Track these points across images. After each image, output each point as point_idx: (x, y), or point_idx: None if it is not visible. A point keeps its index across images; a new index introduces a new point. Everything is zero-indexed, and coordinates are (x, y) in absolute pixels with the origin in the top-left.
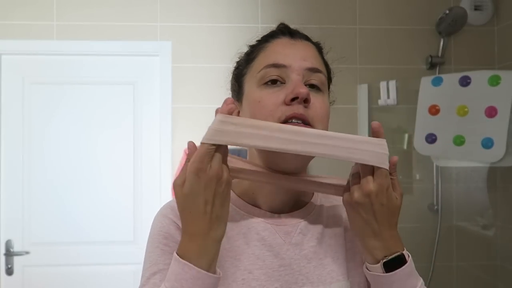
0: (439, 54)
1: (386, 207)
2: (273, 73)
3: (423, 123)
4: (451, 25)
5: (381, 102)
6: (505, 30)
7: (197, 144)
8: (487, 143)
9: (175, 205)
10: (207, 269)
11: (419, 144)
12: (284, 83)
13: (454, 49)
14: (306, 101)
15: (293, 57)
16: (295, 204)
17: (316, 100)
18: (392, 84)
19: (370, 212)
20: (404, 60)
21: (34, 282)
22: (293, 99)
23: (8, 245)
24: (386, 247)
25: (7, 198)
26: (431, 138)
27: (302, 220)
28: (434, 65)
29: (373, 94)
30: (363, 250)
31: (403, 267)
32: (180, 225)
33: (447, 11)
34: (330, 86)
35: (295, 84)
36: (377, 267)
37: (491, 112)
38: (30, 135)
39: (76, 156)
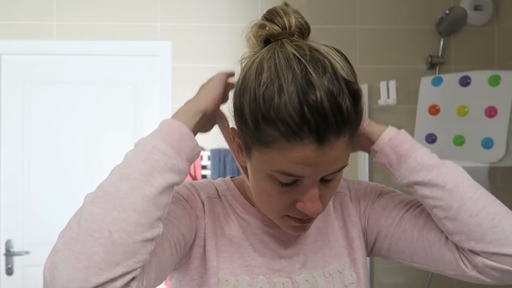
0: (439, 54)
1: None
2: (287, 180)
3: (423, 123)
4: (451, 25)
5: (381, 102)
6: (505, 30)
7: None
8: (487, 143)
9: (187, 184)
10: (184, 122)
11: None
12: (298, 181)
13: (454, 49)
14: None
15: (315, 170)
16: None
17: (328, 192)
18: (392, 84)
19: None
20: (404, 60)
21: (34, 282)
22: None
23: (8, 245)
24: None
25: (7, 198)
26: (431, 138)
27: None
28: (434, 65)
29: (373, 94)
30: (369, 135)
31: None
32: (194, 193)
33: (447, 11)
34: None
35: (309, 197)
36: (388, 129)
37: (491, 112)
38: (30, 135)
39: (76, 156)
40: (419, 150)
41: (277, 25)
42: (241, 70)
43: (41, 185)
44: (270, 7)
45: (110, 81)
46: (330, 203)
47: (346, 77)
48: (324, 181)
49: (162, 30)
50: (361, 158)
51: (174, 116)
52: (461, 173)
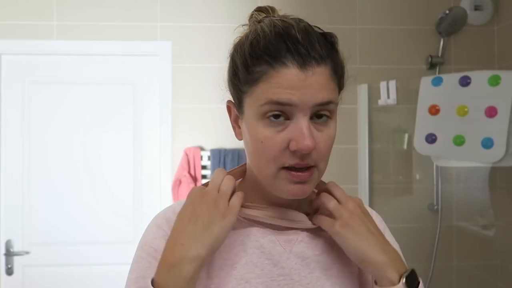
0: (439, 54)
1: (363, 215)
2: (276, 110)
3: (423, 123)
4: (451, 25)
5: (381, 102)
6: (505, 30)
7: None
8: (487, 143)
9: (171, 216)
10: None
11: (419, 144)
12: (289, 119)
13: (454, 49)
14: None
15: (301, 95)
16: (300, 209)
17: (322, 137)
18: (392, 84)
19: (364, 225)
20: (404, 60)
21: (34, 282)
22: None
23: (8, 245)
24: (395, 261)
25: (7, 198)
26: (431, 138)
27: (304, 228)
28: (434, 65)
29: (373, 94)
30: (375, 273)
31: (421, 285)
32: None
33: (447, 11)
34: (341, 93)
35: (301, 132)
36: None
37: (491, 112)
38: (30, 135)
39: (76, 156)
40: None
41: (263, 12)
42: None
43: (41, 185)
44: None
45: (110, 81)
46: None
47: (320, 31)
48: (318, 123)
49: (162, 30)
50: (361, 158)
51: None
52: None
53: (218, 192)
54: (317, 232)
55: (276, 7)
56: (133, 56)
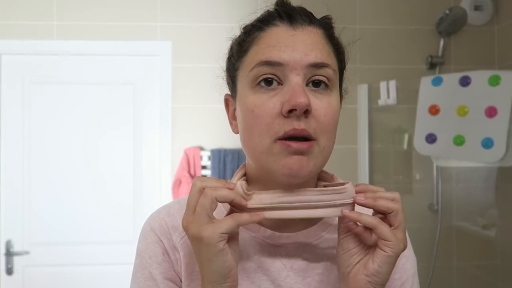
0: (439, 54)
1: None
2: (267, 72)
3: (423, 123)
4: (451, 25)
5: (381, 102)
6: (505, 30)
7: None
8: (487, 143)
9: (165, 217)
10: None
11: (419, 144)
12: (282, 84)
13: (454, 49)
14: (306, 111)
15: (292, 52)
16: (303, 221)
17: (321, 104)
18: (392, 84)
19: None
20: (404, 60)
21: (34, 282)
22: (291, 111)
23: (8, 245)
24: None
25: (7, 198)
26: (431, 138)
27: (309, 241)
28: (434, 65)
29: (373, 94)
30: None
31: None
32: (165, 246)
33: (447, 11)
34: (344, 73)
35: (293, 90)
36: None
37: (491, 112)
38: (30, 135)
39: (76, 156)
40: None
41: None
42: None
43: (41, 185)
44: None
45: (110, 81)
46: None
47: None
48: (314, 87)
49: (162, 30)
50: (361, 158)
51: None
52: None
53: (193, 217)
54: (323, 242)
55: None
56: (133, 56)
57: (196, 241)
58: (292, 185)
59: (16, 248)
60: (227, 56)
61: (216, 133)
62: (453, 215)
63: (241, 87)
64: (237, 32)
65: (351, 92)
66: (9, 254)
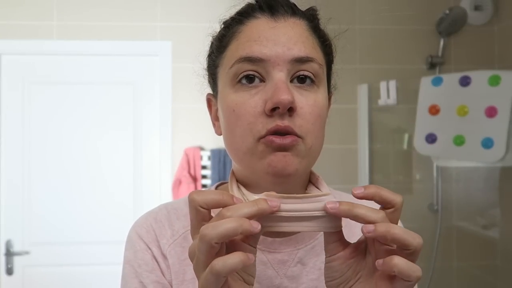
0: (439, 54)
1: None
2: (248, 69)
3: (423, 123)
4: (451, 25)
5: (381, 102)
6: (505, 30)
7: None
8: (487, 143)
9: (152, 224)
10: None
11: (419, 144)
12: (264, 81)
13: (454, 49)
14: (290, 109)
15: (274, 46)
16: None
17: (306, 101)
18: (392, 84)
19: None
20: (404, 60)
21: (34, 282)
22: (274, 109)
23: (8, 245)
24: None
25: (7, 198)
26: (431, 138)
27: (302, 246)
28: (434, 65)
29: (373, 94)
30: None
31: None
32: (154, 253)
33: (447, 11)
34: (332, 67)
35: (276, 87)
36: None
37: (491, 112)
38: (30, 135)
39: (76, 156)
40: None
41: None
42: None
43: (41, 185)
44: None
45: (110, 81)
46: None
47: None
48: (299, 84)
49: (162, 30)
50: (361, 158)
51: None
52: None
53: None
54: (315, 246)
55: None
56: (133, 56)
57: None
58: (278, 187)
59: (16, 248)
60: (207, 54)
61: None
62: (453, 215)
63: (222, 85)
64: (217, 28)
65: (351, 92)
66: (9, 254)
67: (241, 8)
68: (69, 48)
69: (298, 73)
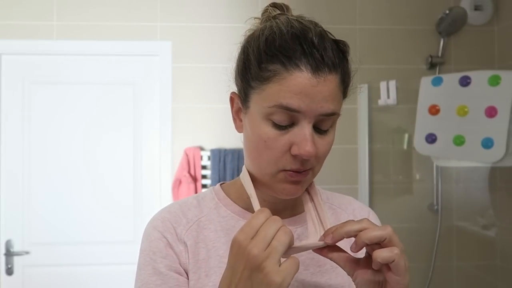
0: (439, 54)
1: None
2: (284, 117)
3: (423, 123)
4: (451, 25)
5: (381, 102)
6: (505, 30)
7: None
8: (487, 143)
9: (167, 215)
10: None
11: (419, 144)
12: (293, 124)
13: (454, 49)
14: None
15: (310, 103)
16: (292, 210)
17: (322, 143)
18: (392, 84)
19: (402, 270)
20: (404, 60)
21: (34, 282)
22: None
23: (8, 245)
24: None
25: (7, 198)
26: (431, 138)
27: (299, 226)
28: (434, 65)
29: (373, 94)
30: None
31: None
32: (169, 240)
33: (447, 11)
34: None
35: (304, 138)
36: None
37: (491, 112)
38: (30, 135)
39: (76, 156)
40: None
41: (278, 9)
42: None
43: (41, 185)
44: None
45: (110, 81)
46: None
47: (333, 37)
48: (319, 130)
49: (162, 30)
50: (361, 158)
51: None
52: None
53: (267, 249)
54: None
55: None
56: (133, 56)
57: (256, 273)
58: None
59: (16, 248)
60: (241, 60)
61: (216, 133)
62: (453, 215)
63: (255, 110)
64: (238, 36)
65: (351, 92)
66: (9, 254)
67: (287, 47)
68: (69, 48)
69: (320, 125)
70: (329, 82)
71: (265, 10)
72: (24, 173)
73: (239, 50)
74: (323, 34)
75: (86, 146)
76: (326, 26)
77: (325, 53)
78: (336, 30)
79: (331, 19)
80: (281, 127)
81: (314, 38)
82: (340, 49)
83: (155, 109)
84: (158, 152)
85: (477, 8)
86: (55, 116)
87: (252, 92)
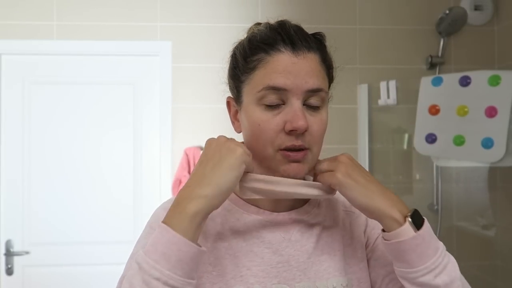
0: (439, 54)
1: (358, 165)
2: (273, 97)
3: (423, 123)
4: (451, 25)
5: (381, 102)
6: (505, 30)
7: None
8: (487, 143)
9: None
10: (185, 235)
11: (419, 144)
12: (284, 104)
13: (454, 49)
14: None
15: (294, 79)
16: (295, 203)
17: (314, 121)
18: (392, 84)
19: (361, 174)
20: (404, 60)
21: (34, 282)
22: (292, 130)
23: (8, 245)
24: (397, 203)
25: (7, 198)
26: (431, 138)
27: (302, 217)
28: (434, 65)
29: (373, 94)
30: (379, 218)
31: (426, 223)
32: None
33: (447, 11)
34: (331, 86)
35: (295, 113)
36: (403, 229)
37: (491, 112)
38: (30, 135)
39: (76, 156)
40: (426, 264)
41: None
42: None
43: (41, 185)
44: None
45: (110, 81)
46: (340, 220)
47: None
48: (310, 107)
49: (162, 30)
50: (361, 158)
51: (176, 226)
52: None
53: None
54: (312, 218)
55: (277, 7)
56: (133, 56)
57: (226, 149)
58: None
59: (16, 248)
60: (230, 63)
61: (216, 133)
62: (453, 215)
63: (247, 101)
64: (239, 36)
65: (351, 92)
66: (9, 254)
67: (266, 36)
68: (69, 48)
69: (310, 101)
70: (309, 59)
71: (250, 29)
72: (24, 173)
73: (229, 58)
74: (299, 27)
75: (86, 146)
76: (326, 26)
77: (301, 37)
78: (336, 30)
79: (331, 19)
80: (272, 108)
81: (290, 28)
82: (316, 37)
83: (155, 109)
84: (158, 152)
85: (477, 8)
86: (55, 116)
87: (242, 86)
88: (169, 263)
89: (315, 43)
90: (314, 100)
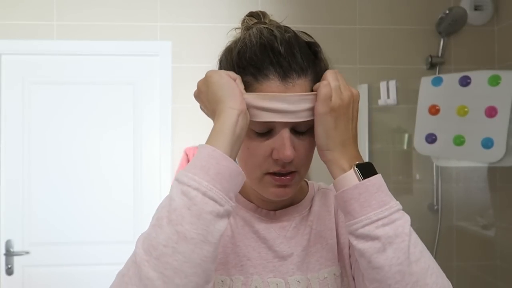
0: (439, 54)
1: (353, 111)
2: (261, 127)
3: (423, 123)
4: (451, 25)
5: (381, 102)
6: (505, 30)
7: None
8: (487, 143)
9: None
10: (223, 151)
11: (419, 144)
12: (272, 129)
13: (454, 49)
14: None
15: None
16: (290, 202)
17: (302, 145)
18: (392, 84)
19: (343, 119)
20: (404, 60)
21: (34, 282)
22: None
23: (8, 245)
24: (350, 155)
25: (7, 198)
26: (431, 138)
27: (297, 215)
28: (434, 65)
29: (373, 94)
30: (328, 163)
31: (377, 177)
32: None
33: (447, 11)
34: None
35: (282, 142)
36: (347, 176)
37: (491, 112)
38: (30, 135)
39: (76, 156)
40: (368, 214)
41: (254, 17)
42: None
43: (41, 185)
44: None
45: (110, 81)
46: (331, 206)
47: (306, 39)
48: (297, 133)
49: (162, 30)
50: None
51: (215, 143)
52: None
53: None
54: (307, 215)
55: (277, 7)
56: (133, 56)
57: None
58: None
59: (16, 248)
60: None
61: None
62: (453, 215)
63: None
64: (239, 36)
65: None
66: (9, 254)
67: (255, 59)
68: (69, 48)
69: (298, 128)
70: (298, 86)
71: (243, 21)
72: (24, 173)
73: (217, 63)
74: (291, 41)
75: (86, 146)
76: (326, 26)
77: (292, 59)
78: (336, 30)
79: (331, 19)
80: (261, 134)
81: (280, 47)
82: (312, 50)
83: (155, 109)
84: (158, 152)
85: (477, 8)
86: (55, 116)
87: None
88: (208, 175)
89: (307, 60)
90: (302, 127)
